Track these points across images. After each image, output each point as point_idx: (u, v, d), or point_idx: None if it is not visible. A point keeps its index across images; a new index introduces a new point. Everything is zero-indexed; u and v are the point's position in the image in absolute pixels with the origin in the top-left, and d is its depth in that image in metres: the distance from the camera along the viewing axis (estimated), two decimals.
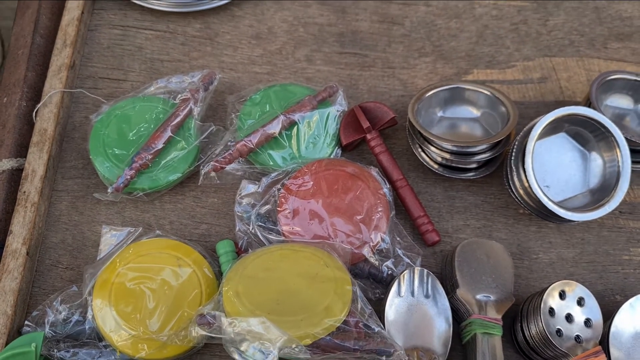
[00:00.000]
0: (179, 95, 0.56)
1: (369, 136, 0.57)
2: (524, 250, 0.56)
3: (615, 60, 0.66)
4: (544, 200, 0.51)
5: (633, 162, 0.57)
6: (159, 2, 0.63)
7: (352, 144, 0.58)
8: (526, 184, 0.52)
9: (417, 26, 0.67)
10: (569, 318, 0.49)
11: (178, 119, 0.54)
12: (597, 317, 0.49)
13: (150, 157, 0.52)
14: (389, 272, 0.53)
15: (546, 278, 0.55)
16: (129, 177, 0.52)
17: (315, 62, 0.64)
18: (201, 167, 0.54)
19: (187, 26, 0.64)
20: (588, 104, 0.58)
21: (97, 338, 0.48)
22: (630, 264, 0.56)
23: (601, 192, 0.54)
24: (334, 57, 0.64)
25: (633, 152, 0.56)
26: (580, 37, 0.67)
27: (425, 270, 0.51)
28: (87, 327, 0.47)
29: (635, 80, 0.59)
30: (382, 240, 0.53)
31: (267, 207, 0.53)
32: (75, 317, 0.48)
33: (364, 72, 0.64)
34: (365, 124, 0.57)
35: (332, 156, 0.57)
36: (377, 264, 0.52)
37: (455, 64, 0.65)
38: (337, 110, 0.57)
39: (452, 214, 0.57)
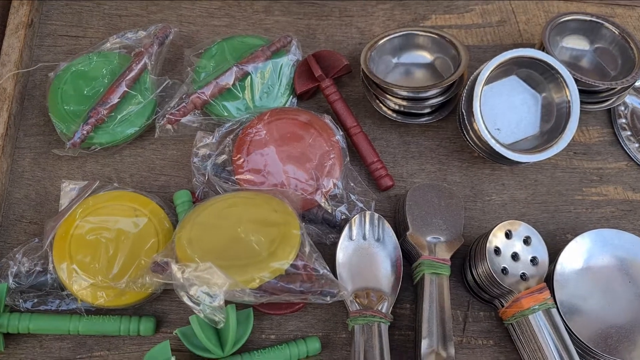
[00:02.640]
0: (136, 49, 0.57)
1: (322, 84, 0.58)
2: (477, 192, 0.57)
3: (575, 1, 0.66)
4: (492, 143, 0.52)
5: (587, 102, 0.58)
6: None
7: (307, 93, 0.59)
8: (476, 128, 0.53)
9: None
10: (514, 257, 0.50)
11: (132, 73, 0.55)
12: (543, 255, 0.51)
13: (105, 111, 0.53)
14: (343, 217, 0.54)
15: (498, 219, 0.56)
16: (85, 132, 0.53)
17: (273, 13, 0.64)
18: (157, 120, 0.55)
19: None
20: (542, 47, 0.58)
21: (59, 287, 0.50)
22: (582, 204, 0.57)
23: (552, 133, 0.55)
24: (292, 7, 0.64)
25: (587, 92, 0.57)
26: None
27: (377, 214, 0.52)
28: (49, 277, 0.49)
29: (590, 20, 0.59)
30: (335, 186, 0.54)
31: (223, 157, 0.55)
32: (38, 269, 0.50)
33: (321, 21, 0.64)
34: (318, 72, 0.58)
35: (286, 105, 0.58)
36: (330, 209, 0.54)
37: (414, 10, 0.65)
38: (291, 60, 0.58)
39: (407, 159, 0.58)
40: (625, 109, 0.60)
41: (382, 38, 0.58)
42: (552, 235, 0.56)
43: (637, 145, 0.59)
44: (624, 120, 0.60)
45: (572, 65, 0.60)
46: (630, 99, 0.61)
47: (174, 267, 0.45)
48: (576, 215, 0.57)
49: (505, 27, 0.64)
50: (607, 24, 0.59)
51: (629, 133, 0.59)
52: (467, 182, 0.57)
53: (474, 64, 0.62)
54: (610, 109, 0.60)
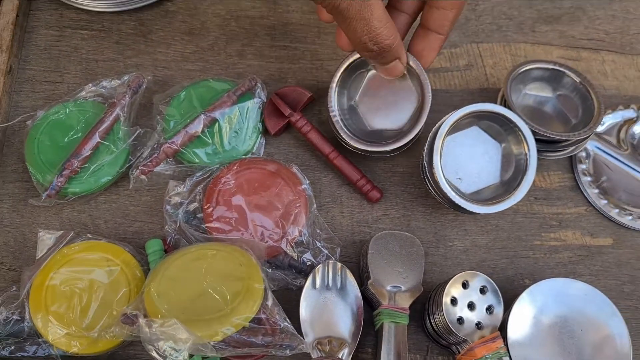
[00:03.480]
0: (109, 100, 0.59)
1: (293, 119, 0.60)
2: (440, 238, 0.59)
3: (542, 44, 0.68)
4: (451, 195, 0.54)
5: (548, 151, 0.60)
6: (92, 2, 0.65)
7: (281, 130, 0.61)
8: (437, 179, 0.55)
9: None
10: (471, 306, 0.53)
11: (105, 125, 0.57)
12: (498, 305, 0.53)
13: (79, 163, 0.55)
14: (308, 263, 0.56)
15: (459, 265, 0.59)
16: (59, 184, 0.55)
17: (246, 57, 0.66)
18: (130, 172, 0.57)
19: (122, 24, 0.66)
20: (503, 99, 0.60)
21: (36, 335, 0.52)
22: (540, 249, 0.59)
23: (511, 184, 0.57)
24: (265, 50, 0.66)
25: (547, 142, 0.59)
26: (509, 21, 0.68)
27: (339, 264, 0.54)
28: (25, 325, 0.52)
29: (552, 69, 0.61)
30: (301, 233, 0.56)
31: (194, 204, 0.57)
32: (15, 317, 0.52)
33: (293, 65, 0.65)
34: (286, 111, 0.60)
35: (255, 146, 0.60)
36: (296, 256, 0.56)
37: None
38: (256, 102, 0.60)
39: (372, 205, 0.60)
40: (586, 155, 0.62)
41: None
42: (510, 280, 0.58)
43: (596, 191, 0.61)
44: (584, 166, 0.62)
45: (536, 110, 0.62)
46: (591, 145, 0.63)
47: (142, 322, 0.47)
48: (534, 260, 0.59)
49: (473, 71, 0.66)
50: (568, 72, 0.60)
51: (589, 179, 0.61)
52: (431, 228, 0.60)
53: (442, 108, 0.64)
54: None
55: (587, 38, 0.68)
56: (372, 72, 0.59)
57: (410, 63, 0.58)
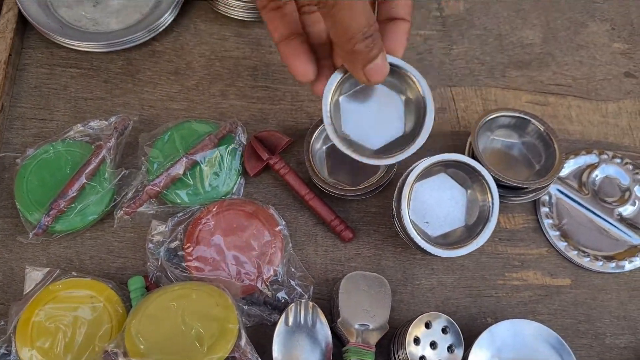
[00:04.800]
0: (96, 142, 0.62)
1: (271, 162, 0.63)
2: (408, 276, 0.63)
3: (512, 89, 0.71)
4: (418, 240, 0.57)
5: (512, 195, 0.63)
6: (82, 43, 0.68)
7: (259, 171, 0.64)
8: (404, 224, 0.58)
9: None
10: (433, 345, 0.56)
11: (91, 167, 0.60)
12: (459, 344, 0.56)
13: (65, 203, 0.58)
14: (283, 300, 0.60)
15: (426, 302, 0.62)
16: (46, 223, 0.58)
17: (229, 97, 0.69)
18: (115, 212, 0.60)
19: (110, 63, 0.69)
20: (471, 147, 0.63)
21: None
22: (503, 288, 0.63)
23: (475, 228, 0.60)
24: (247, 91, 0.69)
25: (511, 188, 0.62)
26: (481, 66, 0.72)
27: (310, 303, 0.58)
28: (12, 358, 0.55)
29: (518, 116, 0.64)
30: (276, 273, 0.59)
31: (175, 243, 0.60)
32: (2, 351, 0.55)
33: (274, 106, 0.69)
34: (264, 155, 0.63)
35: (235, 187, 0.63)
36: (270, 294, 0.59)
37: None
38: (237, 145, 0.63)
39: (345, 244, 0.63)
40: (549, 198, 0.66)
41: (317, 127, 0.63)
42: (473, 318, 0.62)
43: (557, 233, 0.64)
44: (547, 209, 0.65)
45: (503, 155, 0.66)
46: (554, 189, 0.66)
47: None
48: (497, 299, 0.62)
49: (445, 114, 0.69)
50: (533, 121, 0.64)
51: (550, 221, 0.65)
52: (399, 267, 0.63)
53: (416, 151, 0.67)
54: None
55: (554, 83, 0.71)
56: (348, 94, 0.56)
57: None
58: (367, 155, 0.54)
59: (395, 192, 0.59)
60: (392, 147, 0.55)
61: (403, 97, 0.55)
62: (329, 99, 0.53)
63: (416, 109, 0.55)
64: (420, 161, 0.59)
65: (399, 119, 0.55)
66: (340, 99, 0.55)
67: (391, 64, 0.51)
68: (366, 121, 0.55)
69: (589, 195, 0.66)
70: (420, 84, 0.53)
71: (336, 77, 0.53)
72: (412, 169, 0.59)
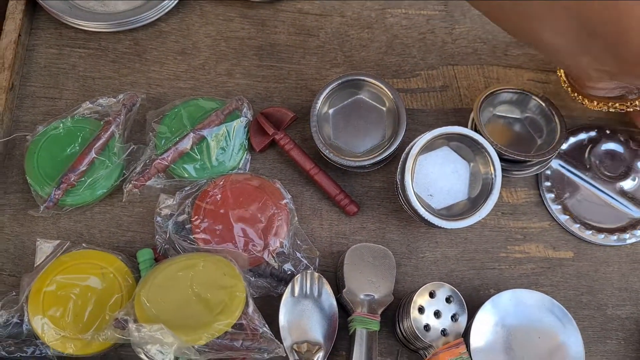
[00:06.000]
0: (105, 118, 0.63)
1: (277, 137, 0.65)
2: (412, 249, 0.64)
3: (514, 67, 0.72)
4: (421, 211, 0.58)
5: (515, 169, 0.64)
6: (90, 23, 0.69)
7: (265, 147, 0.65)
8: (408, 196, 0.59)
9: (331, 37, 0.72)
10: (437, 314, 0.57)
11: (101, 141, 0.61)
12: (462, 313, 0.57)
13: (75, 177, 0.60)
14: (289, 272, 0.61)
15: (430, 275, 0.63)
16: (57, 196, 0.59)
17: (235, 76, 0.70)
18: (124, 185, 0.61)
19: (118, 43, 0.70)
20: (473, 121, 0.64)
21: (34, 336, 0.56)
22: (505, 261, 0.64)
23: (477, 200, 0.61)
24: (252, 70, 0.70)
25: (513, 162, 0.63)
26: (483, 45, 0.73)
27: (317, 274, 0.59)
28: (24, 328, 0.56)
29: (519, 92, 0.65)
30: (282, 244, 0.60)
31: (183, 216, 0.61)
32: (15, 320, 0.56)
33: (279, 84, 0.70)
34: (270, 130, 0.64)
35: (241, 162, 0.64)
36: (277, 266, 0.60)
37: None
38: (242, 121, 0.64)
39: (349, 218, 0.64)
40: (551, 173, 0.67)
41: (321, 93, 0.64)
42: (476, 290, 0.63)
43: (559, 207, 0.65)
44: (549, 184, 0.66)
45: (505, 130, 0.66)
46: (556, 164, 0.67)
47: (131, 327, 0.51)
48: (500, 272, 0.63)
49: (448, 92, 0.70)
50: (534, 97, 0.64)
51: (552, 195, 0.66)
52: (404, 240, 0.64)
53: (418, 127, 0.68)
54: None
55: None
56: (336, 108, 0.65)
57: (384, 87, 0.63)
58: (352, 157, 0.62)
59: (399, 164, 0.60)
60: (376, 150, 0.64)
61: (384, 108, 0.65)
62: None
63: (394, 117, 0.64)
64: (423, 135, 0.60)
65: (382, 129, 0.65)
66: (330, 111, 0.65)
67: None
68: (352, 131, 0.65)
69: (590, 169, 0.67)
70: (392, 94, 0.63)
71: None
72: (415, 142, 0.60)
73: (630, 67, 0.48)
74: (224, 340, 0.52)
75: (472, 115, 0.66)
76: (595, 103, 0.60)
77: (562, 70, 0.64)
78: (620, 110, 0.58)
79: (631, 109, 0.57)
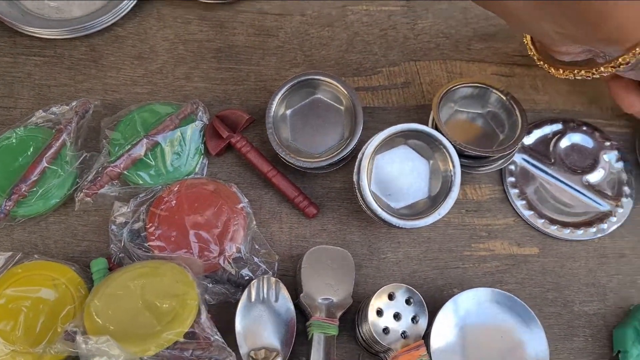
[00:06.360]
0: (57, 126, 0.62)
1: (233, 140, 0.63)
2: (374, 250, 0.62)
3: (477, 62, 0.71)
4: (379, 212, 0.57)
5: (477, 166, 0.63)
6: (45, 30, 0.68)
7: (222, 151, 0.64)
8: (365, 197, 0.58)
9: (291, 37, 0.71)
10: (397, 316, 0.56)
11: (52, 150, 0.60)
12: (423, 315, 0.56)
13: (27, 187, 0.59)
14: (247, 277, 0.59)
15: (392, 276, 0.62)
16: (7, 208, 0.58)
17: (193, 80, 0.69)
18: (75, 194, 0.60)
19: (74, 50, 0.69)
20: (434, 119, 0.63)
21: None
22: (470, 259, 0.62)
23: (439, 198, 0.60)
24: (211, 72, 0.69)
25: (475, 157, 0.62)
26: (446, 40, 0.71)
27: (274, 279, 0.58)
28: None
29: (479, 86, 0.64)
30: (238, 250, 0.59)
31: (138, 224, 0.60)
32: None
33: (237, 86, 0.68)
34: (225, 134, 0.63)
35: (197, 167, 0.63)
36: (234, 272, 0.59)
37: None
38: (198, 125, 0.63)
39: (310, 220, 0.63)
40: (515, 167, 0.65)
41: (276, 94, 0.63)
42: (440, 290, 0.61)
43: (524, 202, 0.64)
44: (513, 179, 0.65)
45: (467, 126, 0.65)
46: (520, 158, 0.66)
47: (79, 339, 0.50)
48: (464, 270, 0.62)
49: (410, 88, 0.69)
50: (494, 90, 0.63)
51: (517, 191, 0.64)
52: (365, 241, 0.63)
53: (379, 125, 0.67)
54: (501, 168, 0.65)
55: (520, 54, 0.71)
56: (293, 109, 0.64)
57: (340, 86, 0.62)
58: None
59: (356, 165, 0.59)
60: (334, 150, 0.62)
61: (342, 107, 0.64)
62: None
63: (351, 115, 0.63)
64: (378, 133, 0.59)
65: (340, 128, 0.64)
66: (287, 112, 0.64)
67: None
68: (311, 131, 0.64)
69: (555, 163, 0.65)
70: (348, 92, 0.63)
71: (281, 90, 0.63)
72: (370, 141, 0.58)
73: (590, 28, 0.47)
74: (174, 351, 0.51)
75: (431, 114, 0.64)
76: (562, 71, 0.56)
77: (528, 37, 0.62)
78: (587, 77, 0.54)
79: (597, 76, 0.53)
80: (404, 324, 0.56)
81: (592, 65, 0.54)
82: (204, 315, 0.53)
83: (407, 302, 0.56)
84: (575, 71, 0.54)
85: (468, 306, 0.57)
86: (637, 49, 0.47)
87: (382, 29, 0.71)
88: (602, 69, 0.52)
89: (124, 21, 0.71)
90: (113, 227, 0.60)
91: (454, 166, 0.59)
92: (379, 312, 0.56)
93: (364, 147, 0.59)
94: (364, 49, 0.70)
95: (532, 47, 0.59)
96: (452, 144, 0.59)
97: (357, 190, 0.59)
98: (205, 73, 0.69)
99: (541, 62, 0.58)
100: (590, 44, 0.51)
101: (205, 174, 0.64)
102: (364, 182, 0.58)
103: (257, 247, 0.61)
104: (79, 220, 0.62)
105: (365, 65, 0.70)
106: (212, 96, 0.68)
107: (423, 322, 0.56)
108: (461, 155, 0.61)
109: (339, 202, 0.64)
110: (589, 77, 0.53)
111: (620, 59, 0.49)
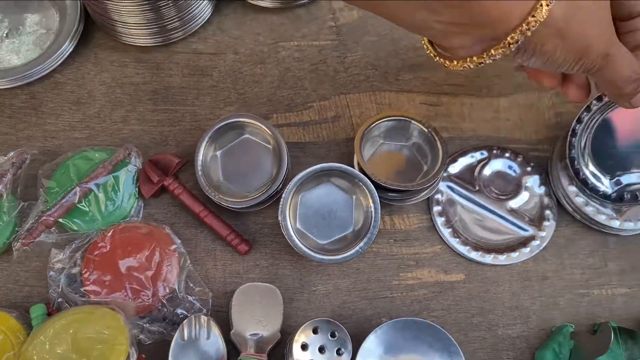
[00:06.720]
0: None
1: (165, 183, 0.66)
2: (304, 283, 0.65)
3: (406, 92, 0.73)
4: (299, 247, 0.60)
5: (402, 198, 0.65)
6: None
7: (156, 193, 0.67)
8: (287, 233, 0.60)
9: (225, 75, 0.73)
10: (322, 350, 0.58)
11: None
12: (347, 347, 0.59)
13: None
14: (182, 315, 0.62)
15: (322, 308, 0.64)
16: None
17: (130, 123, 0.71)
18: (12, 244, 0.62)
19: (14, 98, 0.72)
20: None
21: None
22: (398, 288, 0.65)
23: (362, 231, 0.62)
24: (147, 115, 0.71)
25: (398, 191, 0.64)
26: (375, 71, 0.73)
27: (204, 317, 0.60)
28: None
29: (399, 119, 0.66)
30: (172, 291, 0.62)
31: (75, 269, 0.63)
32: None
33: (173, 127, 0.71)
34: (155, 178, 0.65)
35: (133, 210, 0.65)
36: (168, 310, 0.62)
37: (257, 110, 0.71)
38: (131, 170, 0.65)
39: (243, 257, 0.66)
40: (441, 196, 0.68)
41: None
42: (369, 320, 0.64)
43: (450, 230, 0.66)
44: (439, 208, 0.67)
45: (394, 156, 0.67)
46: (445, 187, 0.68)
47: None
48: (392, 299, 0.64)
49: (340, 121, 0.71)
50: (415, 123, 0.65)
51: (443, 219, 0.67)
52: (296, 275, 0.65)
53: (310, 160, 0.69)
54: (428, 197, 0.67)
55: (447, 83, 0.73)
56: (224, 149, 0.66)
57: (263, 126, 0.64)
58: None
59: (280, 204, 0.61)
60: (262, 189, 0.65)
61: (270, 146, 0.66)
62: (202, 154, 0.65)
63: (277, 155, 0.65)
64: (299, 173, 0.61)
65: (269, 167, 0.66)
66: (218, 153, 0.66)
67: None
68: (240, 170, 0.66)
69: (480, 190, 0.68)
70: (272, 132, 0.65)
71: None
72: (291, 182, 0.61)
73: (463, 10, 0.46)
74: None
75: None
76: (455, 62, 0.55)
77: (425, 39, 0.60)
78: (479, 63, 0.52)
79: (490, 60, 0.51)
80: (330, 356, 0.58)
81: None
82: (133, 359, 0.56)
83: (332, 335, 0.59)
84: (468, 59, 0.51)
85: (390, 337, 0.59)
86: (524, 25, 0.46)
87: (312, 64, 0.74)
88: (492, 51, 0.49)
89: (63, 67, 0.73)
90: (52, 273, 0.62)
91: (373, 202, 0.61)
92: (304, 347, 0.58)
93: (287, 186, 0.61)
94: (295, 84, 0.73)
95: (428, 45, 0.55)
96: (375, 181, 0.62)
97: (282, 229, 0.62)
98: (142, 115, 0.71)
99: (437, 58, 0.55)
100: (474, 31, 0.49)
101: (142, 216, 0.66)
102: (287, 222, 0.60)
103: (191, 285, 0.63)
104: (21, 266, 0.65)
105: (297, 101, 0.72)
106: (148, 138, 0.70)
107: (347, 355, 0.58)
108: (386, 188, 0.63)
109: (271, 238, 0.66)
110: (483, 62, 0.51)
111: (508, 38, 0.47)
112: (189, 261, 0.64)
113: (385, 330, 0.59)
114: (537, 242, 0.66)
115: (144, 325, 0.61)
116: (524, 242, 0.66)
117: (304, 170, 0.61)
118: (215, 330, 0.60)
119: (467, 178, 0.69)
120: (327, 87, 0.73)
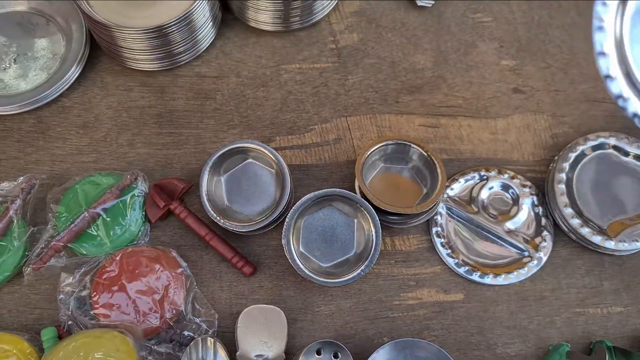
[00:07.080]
0: (3, 204, 0.66)
1: (171, 207, 0.67)
2: (308, 304, 0.66)
3: (406, 114, 0.74)
4: (300, 269, 0.61)
5: (402, 221, 0.67)
6: None
7: (162, 217, 0.68)
8: (291, 257, 0.62)
9: (228, 99, 0.75)
10: None
11: (0, 227, 0.64)
12: None
13: None
14: (189, 337, 0.64)
15: (325, 328, 0.66)
16: None
17: (136, 146, 0.73)
18: (23, 269, 0.64)
19: (22, 123, 0.73)
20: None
21: None
22: (399, 308, 0.66)
23: (364, 254, 0.64)
24: (153, 138, 0.73)
25: (398, 214, 0.66)
26: (375, 94, 0.75)
27: (210, 339, 0.62)
28: None
29: (401, 143, 0.67)
30: (179, 313, 0.63)
31: (84, 292, 0.64)
32: None
33: (178, 150, 0.72)
34: (161, 203, 0.67)
35: (140, 234, 0.67)
36: (175, 332, 0.63)
37: (260, 133, 0.73)
38: (138, 195, 0.67)
39: (248, 278, 0.67)
40: (440, 217, 0.69)
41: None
42: (370, 340, 0.65)
43: (449, 250, 0.68)
44: (439, 229, 0.69)
45: (396, 180, 0.69)
46: (444, 208, 0.69)
47: None
48: (393, 319, 0.66)
49: (342, 144, 0.73)
50: (413, 146, 0.67)
51: (442, 240, 0.68)
52: (300, 296, 0.67)
53: (313, 182, 0.71)
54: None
55: (445, 105, 0.75)
56: (228, 174, 0.68)
57: (266, 151, 0.66)
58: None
59: (283, 228, 0.63)
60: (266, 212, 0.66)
61: (273, 170, 0.68)
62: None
63: (280, 179, 0.66)
64: (302, 198, 0.63)
65: (273, 191, 0.68)
66: (222, 178, 0.68)
67: None
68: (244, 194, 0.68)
69: (478, 211, 0.69)
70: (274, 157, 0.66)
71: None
72: (293, 207, 0.63)
73: None
74: None
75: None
76: None
77: None
78: None
79: None
80: None
81: None
82: None
83: (335, 355, 0.61)
84: None
85: (391, 357, 0.61)
86: None
87: (314, 87, 0.75)
88: None
89: (70, 92, 0.75)
90: (62, 296, 0.64)
91: (374, 226, 0.63)
92: None
93: (290, 211, 0.63)
94: (297, 107, 0.74)
95: None
96: (375, 205, 0.63)
97: (285, 253, 0.63)
98: (147, 139, 0.73)
99: None
100: None
101: (149, 239, 0.68)
102: (291, 246, 0.62)
103: (198, 307, 0.65)
104: (31, 289, 0.66)
105: (299, 124, 0.74)
106: (154, 161, 0.72)
107: None
108: (387, 212, 0.65)
109: (275, 259, 0.68)
110: None
111: None
112: (195, 283, 0.65)
113: (387, 350, 0.61)
114: (535, 262, 0.67)
115: (152, 347, 0.63)
116: (522, 263, 0.67)
117: (306, 195, 0.63)
118: (222, 352, 0.62)
119: (466, 199, 0.70)
120: (329, 109, 0.74)
